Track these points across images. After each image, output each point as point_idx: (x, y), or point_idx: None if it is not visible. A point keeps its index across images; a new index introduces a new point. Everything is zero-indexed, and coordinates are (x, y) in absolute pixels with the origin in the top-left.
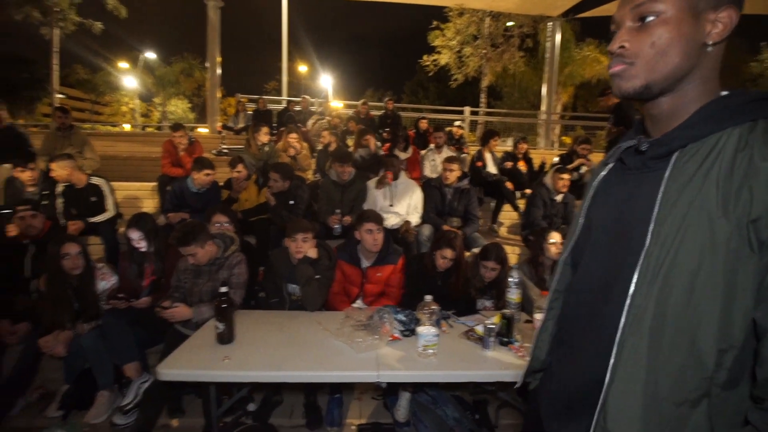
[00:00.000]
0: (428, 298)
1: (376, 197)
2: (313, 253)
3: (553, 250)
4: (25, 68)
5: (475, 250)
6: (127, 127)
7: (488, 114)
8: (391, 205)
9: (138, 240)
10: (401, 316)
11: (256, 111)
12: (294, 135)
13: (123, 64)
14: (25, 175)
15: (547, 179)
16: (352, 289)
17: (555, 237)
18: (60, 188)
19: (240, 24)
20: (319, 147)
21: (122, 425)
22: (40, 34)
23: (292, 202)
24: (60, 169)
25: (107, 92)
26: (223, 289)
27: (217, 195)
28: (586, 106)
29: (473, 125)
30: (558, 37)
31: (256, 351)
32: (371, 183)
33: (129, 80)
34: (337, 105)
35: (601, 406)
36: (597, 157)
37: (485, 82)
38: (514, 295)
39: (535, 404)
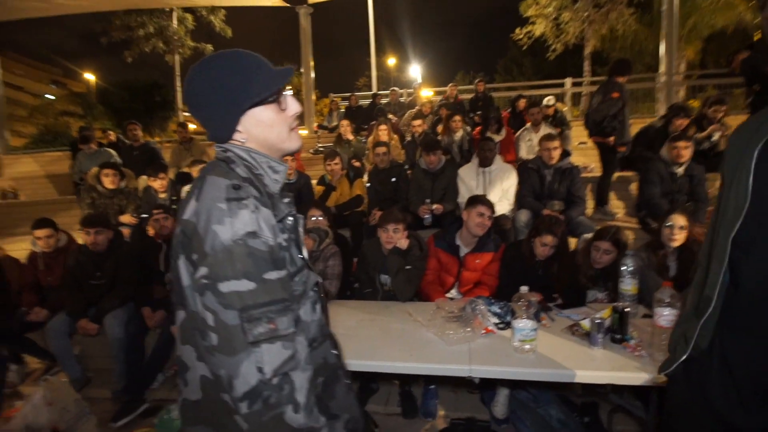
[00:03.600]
0: (524, 288)
1: (469, 185)
2: (403, 243)
3: (673, 236)
4: (157, 92)
5: (587, 236)
6: None
7: (593, 84)
8: (483, 195)
9: None
10: (496, 308)
11: (348, 108)
12: (383, 126)
13: None
14: (157, 184)
15: (663, 150)
16: (447, 278)
17: (676, 220)
18: (183, 194)
19: (329, 27)
20: (408, 138)
21: None
22: (166, 62)
23: (394, 179)
24: (196, 173)
25: None
26: (318, 280)
27: (308, 189)
28: (719, 62)
29: (576, 98)
30: None
31: (350, 340)
32: (462, 171)
33: None
34: (427, 93)
35: None
36: (736, 121)
37: (588, 49)
38: (628, 285)
39: (695, 393)
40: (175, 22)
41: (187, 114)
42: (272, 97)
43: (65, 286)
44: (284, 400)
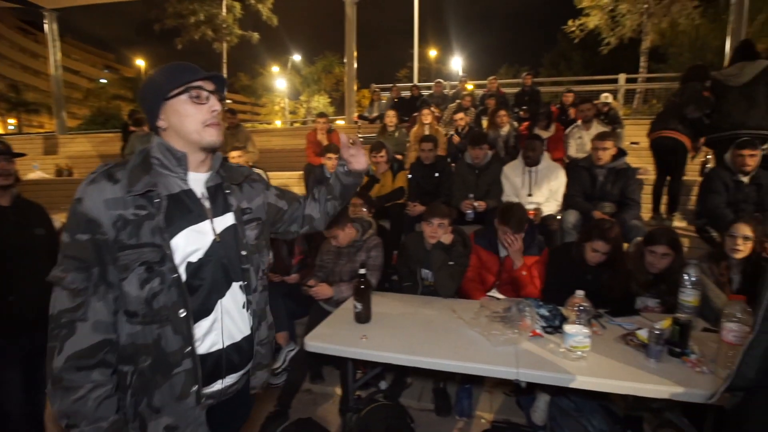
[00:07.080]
0: (579, 293)
1: (514, 183)
2: (447, 238)
3: (737, 247)
4: None
5: (638, 239)
6: (278, 123)
7: (649, 80)
8: (530, 195)
9: None
10: (544, 311)
11: (390, 99)
12: (427, 111)
13: (275, 68)
14: None
15: (727, 157)
16: (488, 277)
17: (741, 230)
18: None
19: (372, 17)
20: (451, 132)
21: (273, 384)
22: (213, 50)
23: (437, 174)
24: (237, 158)
25: (263, 94)
26: (362, 271)
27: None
28: None
29: (629, 96)
30: None
31: (392, 333)
32: (507, 168)
33: (280, 82)
34: (468, 87)
35: None
36: None
37: (646, 44)
38: (689, 296)
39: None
40: (224, 10)
41: (229, 101)
42: (180, 90)
43: None
44: (54, 340)
